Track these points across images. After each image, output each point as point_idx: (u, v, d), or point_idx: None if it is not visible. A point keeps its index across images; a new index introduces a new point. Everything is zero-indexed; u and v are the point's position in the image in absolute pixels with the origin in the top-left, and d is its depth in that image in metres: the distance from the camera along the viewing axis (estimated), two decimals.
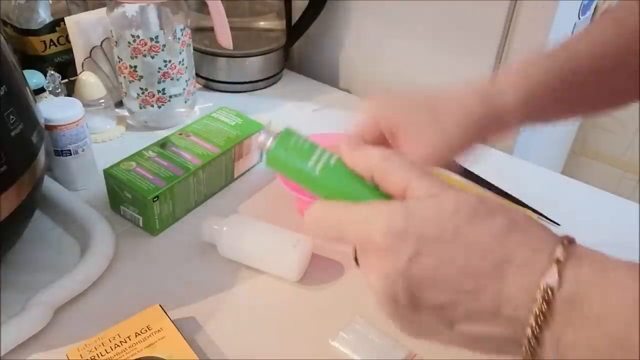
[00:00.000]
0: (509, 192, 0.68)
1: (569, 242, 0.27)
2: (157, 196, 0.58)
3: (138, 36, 0.70)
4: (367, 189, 0.33)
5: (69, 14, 0.77)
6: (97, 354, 0.44)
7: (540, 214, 0.65)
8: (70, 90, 0.75)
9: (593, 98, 0.45)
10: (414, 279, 0.28)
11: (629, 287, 0.25)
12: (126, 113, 0.79)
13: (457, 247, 0.27)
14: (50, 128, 0.61)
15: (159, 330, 0.47)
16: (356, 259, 0.32)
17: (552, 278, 0.25)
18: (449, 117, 0.40)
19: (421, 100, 0.42)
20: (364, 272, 0.31)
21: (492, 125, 0.41)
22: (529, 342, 0.26)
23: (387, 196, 0.32)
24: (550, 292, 0.25)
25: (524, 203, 0.67)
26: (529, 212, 0.65)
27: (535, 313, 0.25)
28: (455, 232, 0.27)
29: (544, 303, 0.25)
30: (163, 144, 0.66)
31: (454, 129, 0.40)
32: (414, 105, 0.42)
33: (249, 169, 0.72)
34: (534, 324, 0.25)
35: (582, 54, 0.42)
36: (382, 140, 0.41)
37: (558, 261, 0.26)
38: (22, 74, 0.53)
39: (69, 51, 0.77)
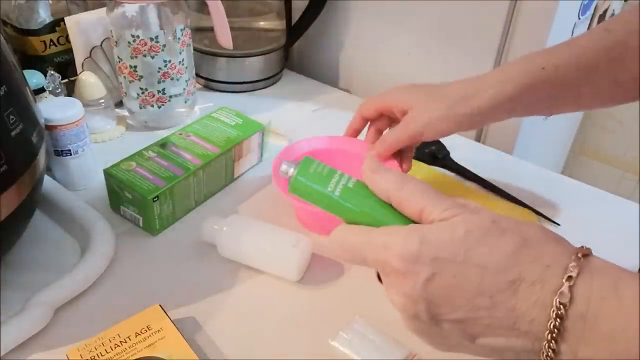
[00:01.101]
0: (509, 192, 0.68)
1: (583, 255, 0.28)
2: (157, 196, 0.58)
3: (138, 36, 0.70)
4: (385, 210, 0.36)
5: (69, 14, 0.77)
6: (97, 354, 0.44)
7: (541, 214, 0.65)
8: (70, 90, 0.75)
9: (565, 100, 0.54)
10: (432, 298, 0.30)
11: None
12: (126, 113, 0.79)
13: (469, 267, 0.29)
14: (50, 128, 0.61)
15: (159, 330, 0.47)
16: (379, 278, 0.35)
17: (563, 295, 0.26)
18: (428, 112, 0.55)
19: (427, 87, 0.57)
20: (387, 292, 0.34)
21: (469, 120, 0.54)
22: (547, 354, 0.27)
23: (405, 217, 0.35)
24: (562, 308, 0.26)
25: (524, 203, 0.67)
26: (543, 220, 0.65)
27: (550, 328, 0.27)
28: (467, 253, 0.29)
29: (557, 319, 0.26)
30: (163, 144, 0.66)
31: (428, 120, 0.54)
32: (421, 90, 0.57)
33: (249, 169, 0.72)
34: (549, 338, 0.27)
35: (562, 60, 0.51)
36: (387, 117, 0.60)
37: (570, 278, 0.27)
38: (22, 74, 0.53)
39: (69, 51, 0.77)
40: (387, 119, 0.61)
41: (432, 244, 0.30)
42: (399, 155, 0.59)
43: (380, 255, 0.33)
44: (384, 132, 0.60)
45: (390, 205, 0.35)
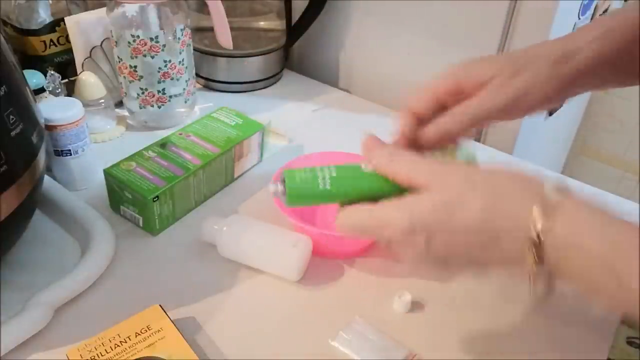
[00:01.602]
0: None
1: (556, 191, 0.35)
2: (157, 196, 0.58)
3: (138, 36, 0.70)
4: (374, 183, 0.40)
5: (69, 14, 0.77)
6: (97, 354, 0.44)
7: None
8: (70, 90, 0.75)
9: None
10: (436, 254, 0.37)
11: (595, 233, 0.34)
12: (126, 113, 0.79)
13: (455, 231, 0.35)
14: (50, 128, 0.61)
15: (159, 330, 0.47)
16: (388, 246, 0.39)
17: (534, 233, 0.33)
18: (527, 72, 0.44)
19: (505, 55, 0.48)
20: (399, 253, 0.39)
21: (571, 81, 0.45)
22: (535, 262, 0.35)
23: (396, 185, 0.39)
24: (538, 240, 0.33)
25: None
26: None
27: (533, 255, 0.34)
28: (449, 219, 0.35)
29: (534, 248, 0.34)
30: (163, 144, 0.66)
31: (531, 81, 0.44)
32: (500, 58, 0.47)
33: (249, 169, 0.72)
34: (534, 259, 0.34)
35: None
36: (452, 95, 0.46)
37: (544, 214, 0.33)
38: (22, 74, 0.53)
39: (69, 51, 0.77)
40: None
41: (420, 216, 0.36)
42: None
43: (382, 233, 0.38)
44: (454, 108, 0.45)
45: (378, 176, 0.40)
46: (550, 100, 0.45)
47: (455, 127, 0.45)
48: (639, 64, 0.46)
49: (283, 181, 0.41)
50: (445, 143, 0.46)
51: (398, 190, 0.39)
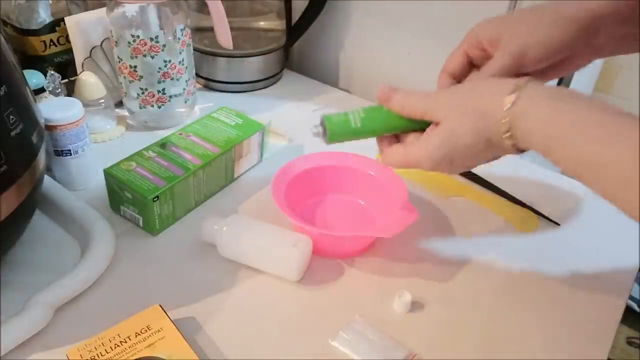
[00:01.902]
0: (509, 192, 0.68)
1: (524, 82, 0.41)
2: (157, 196, 0.58)
3: (138, 36, 0.70)
4: (395, 120, 0.49)
5: (69, 14, 0.77)
6: (97, 354, 0.44)
7: (541, 214, 0.65)
8: (70, 90, 0.75)
9: None
10: (455, 168, 0.48)
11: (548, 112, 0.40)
12: (126, 113, 0.79)
13: (461, 151, 0.45)
14: (50, 128, 0.61)
15: (159, 330, 0.47)
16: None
17: (505, 114, 0.41)
18: (547, 19, 0.46)
19: (524, 12, 0.49)
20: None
21: (582, 28, 0.46)
22: (509, 138, 0.42)
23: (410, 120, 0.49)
24: (509, 131, 0.41)
25: (524, 203, 0.67)
26: (543, 220, 0.65)
27: (507, 133, 0.42)
28: (454, 147, 0.45)
29: (507, 127, 0.41)
30: (163, 144, 0.66)
31: (549, 27, 0.46)
32: (511, 15, 0.50)
33: (249, 169, 0.72)
34: (508, 136, 0.42)
35: None
36: (479, 51, 0.51)
37: (510, 101, 0.41)
38: (22, 74, 0.53)
39: (69, 51, 0.77)
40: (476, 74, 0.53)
41: (435, 153, 0.45)
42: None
43: (416, 167, 0.48)
44: (484, 66, 0.50)
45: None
46: (555, 46, 0.47)
47: (450, 67, 0.52)
48: None
49: (322, 124, 0.50)
50: None
51: (414, 122, 0.48)
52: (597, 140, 0.37)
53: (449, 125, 0.44)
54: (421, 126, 0.48)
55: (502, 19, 0.49)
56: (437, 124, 0.46)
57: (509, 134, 0.41)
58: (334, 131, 0.49)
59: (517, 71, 0.47)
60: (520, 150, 0.43)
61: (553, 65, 0.49)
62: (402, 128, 0.50)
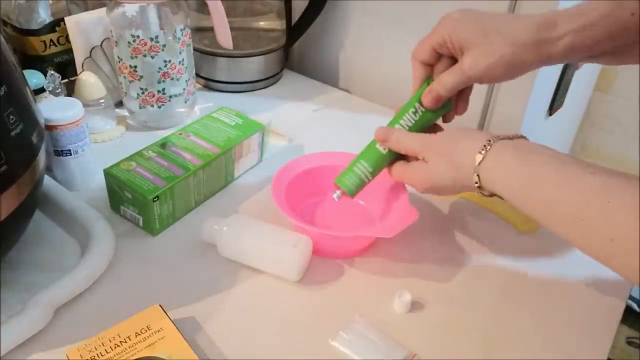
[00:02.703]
0: None
1: (490, 142, 0.48)
2: (157, 196, 0.58)
3: (138, 36, 0.70)
4: (392, 157, 0.57)
5: (69, 14, 0.77)
6: (97, 354, 0.44)
7: None
8: (70, 90, 0.75)
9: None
10: (440, 194, 0.56)
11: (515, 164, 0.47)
12: (126, 113, 0.79)
13: (442, 188, 0.53)
14: (50, 128, 0.61)
15: (159, 330, 0.47)
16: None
17: (477, 176, 0.49)
18: (507, 46, 0.50)
19: (486, 22, 0.51)
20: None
21: (535, 67, 0.51)
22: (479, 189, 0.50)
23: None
24: (477, 176, 0.49)
25: None
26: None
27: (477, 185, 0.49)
28: (437, 184, 0.53)
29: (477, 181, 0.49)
30: (163, 144, 0.66)
31: (511, 57, 0.50)
32: (479, 26, 0.51)
33: (249, 169, 0.72)
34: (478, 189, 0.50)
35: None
36: (444, 47, 0.54)
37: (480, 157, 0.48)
38: (22, 74, 0.53)
39: (69, 51, 0.77)
40: (447, 61, 0.56)
41: (423, 184, 0.54)
42: (456, 95, 0.57)
43: (410, 184, 0.57)
44: (442, 74, 0.55)
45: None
46: (504, 79, 0.52)
47: (444, 93, 0.55)
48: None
49: (339, 187, 0.57)
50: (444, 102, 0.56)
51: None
52: (547, 187, 0.44)
53: (435, 167, 0.52)
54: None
55: (471, 30, 0.51)
56: (426, 161, 0.53)
57: (478, 184, 0.49)
58: (352, 190, 0.57)
59: (488, 80, 0.53)
60: (491, 195, 0.50)
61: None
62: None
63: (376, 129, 0.56)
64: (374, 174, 0.57)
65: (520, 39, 0.49)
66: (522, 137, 0.50)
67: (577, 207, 0.41)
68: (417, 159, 0.55)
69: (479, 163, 0.48)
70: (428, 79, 0.57)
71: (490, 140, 0.48)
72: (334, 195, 0.57)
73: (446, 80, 0.54)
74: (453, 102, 0.57)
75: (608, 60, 0.52)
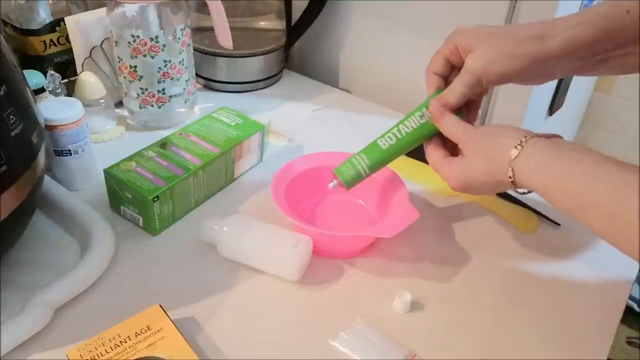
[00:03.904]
0: (510, 192, 0.68)
1: (526, 138, 0.48)
2: (157, 196, 0.58)
3: (138, 36, 0.70)
4: (394, 154, 0.57)
5: (69, 14, 0.77)
6: (97, 354, 0.44)
7: (541, 214, 0.65)
8: (70, 90, 0.75)
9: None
10: (473, 192, 0.55)
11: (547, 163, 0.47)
12: (126, 113, 0.79)
13: (476, 182, 0.52)
14: (50, 128, 0.61)
15: (159, 330, 0.47)
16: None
17: (511, 171, 0.48)
18: (496, 44, 0.52)
19: (492, 27, 0.54)
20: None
21: (537, 63, 0.51)
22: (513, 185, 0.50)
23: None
24: (512, 172, 0.48)
25: (524, 203, 0.67)
26: (543, 220, 0.66)
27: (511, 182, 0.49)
28: (471, 179, 0.52)
29: (512, 179, 0.49)
30: (163, 144, 0.66)
31: (496, 53, 0.52)
32: (485, 29, 0.54)
33: (249, 169, 0.72)
34: (512, 181, 0.49)
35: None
36: (457, 56, 0.56)
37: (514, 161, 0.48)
38: (22, 74, 0.53)
39: (69, 51, 0.77)
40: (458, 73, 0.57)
41: (458, 178, 0.53)
42: (466, 105, 0.56)
43: (443, 179, 0.55)
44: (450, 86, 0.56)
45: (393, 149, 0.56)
46: (509, 75, 0.52)
47: (452, 99, 0.54)
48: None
49: (336, 177, 0.56)
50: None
51: (408, 149, 0.57)
52: (584, 181, 0.44)
53: (471, 162, 0.52)
54: (420, 143, 0.57)
55: (477, 32, 0.54)
56: (464, 156, 0.53)
57: (512, 179, 0.49)
58: (348, 181, 0.56)
59: (480, 85, 0.53)
60: (525, 192, 0.50)
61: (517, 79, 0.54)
62: (400, 155, 0.57)
63: (431, 101, 0.55)
64: (371, 168, 0.56)
65: (522, 34, 0.51)
66: (557, 136, 0.50)
67: (615, 203, 0.41)
68: (445, 154, 0.55)
69: (515, 157, 0.48)
70: (439, 90, 0.56)
71: (526, 137, 0.48)
72: (330, 185, 0.57)
73: (453, 86, 0.54)
74: (463, 113, 0.56)
75: (616, 66, 0.53)
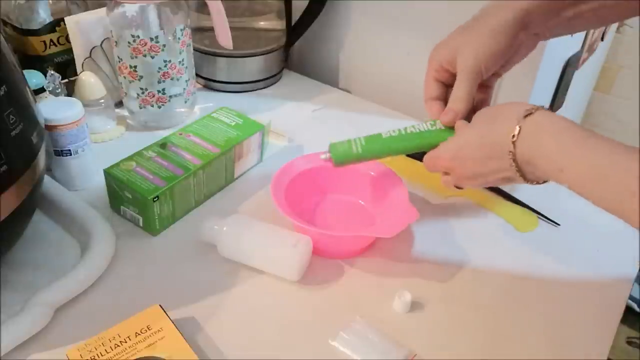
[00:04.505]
0: (510, 192, 0.68)
1: (526, 116, 0.46)
2: (157, 196, 0.58)
3: (138, 36, 0.70)
4: (391, 146, 0.56)
5: (69, 14, 0.77)
6: (97, 354, 0.45)
7: (540, 214, 0.65)
8: (70, 90, 0.75)
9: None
10: (463, 172, 0.52)
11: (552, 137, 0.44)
12: (126, 113, 0.79)
13: (467, 154, 0.50)
14: (50, 128, 0.61)
15: (159, 330, 0.47)
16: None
17: (512, 152, 0.46)
18: (485, 30, 0.53)
19: (467, 25, 0.55)
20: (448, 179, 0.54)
21: (520, 29, 0.52)
22: (517, 171, 0.47)
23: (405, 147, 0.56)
24: (513, 157, 0.46)
25: (524, 203, 0.67)
26: (543, 220, 0.66)
27: (513, 167, 0.47)
28: (471, 153, 0.50)
29: (513, 162, 0.46)
30: (163, 144, 0.66)
31: (489, 38, 0.52)
32: (460, 27, 0.55)
33: (249, 169, 0.72)
34: (515, 170, 0.47)
35: None
36: (445, 72, 0.56)
37: (514, 139, 0.46)
38: (22, 74, 0.53)
39: (69, 51, 0.77)
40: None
41: (453, 153, 0.52)
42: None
43: (435, 161, 0.54)
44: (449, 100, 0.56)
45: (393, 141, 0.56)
46: (503, 53, 0.53)
47: (459, 106, 0.54)
48: None
49: (329, 150, 0.56)
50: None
51: (410, 148, 0.56)
52: (592, 153, 0.42)
53: (464, 136, 0.51)
54: (422, 150, 0.55)
55: (451, 40, 0.55)
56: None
57: (512, 152, 0.46)
58: (338, 157, 0.56)
59: (481, 80, 0.54)
60: (533, 182, 0.48)
61: (509, 59, 0.55)
62: (402, 152, 0.57)
63: (442, 115, 0.55)
64: (365, 150, 0.55)
65: (488, 11, 0.53)
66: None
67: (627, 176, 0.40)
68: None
69: (525, 116, 0.45)
70: None
71: (533, 108, 0.46)
72: (322, 156, 0.57)
73: (455, 93, 0.54)
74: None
75: (592, 19, 0.54)
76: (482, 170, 0.50)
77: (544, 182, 0.48)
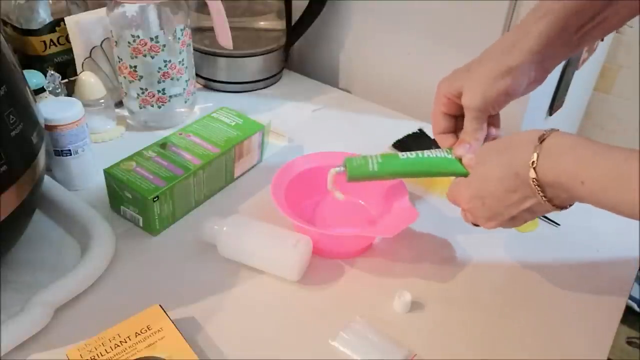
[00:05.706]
0: None
1: (540, 141, 0.46)
2: (157, 196, 0.58)
3: (138, 36, 0.70)
4: (405, 168, 0.55)
5: (69, 14, 0.77)
6: (97, 354, 0.45)
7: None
8: (70, 90, 0.75)
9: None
10: (488, 210, 0.51)
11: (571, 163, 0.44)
12: (126, 113, 0.79)
13: (489, 188, 0.50)
14: (50, 128, 0.61)
15: (159, 330, 0.47)
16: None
17: (534, 178, 0.46)
18: (481, 72, 0.53)
19: (470, 62, 0.55)
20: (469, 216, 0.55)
21: (526, 68, 0.51)
22: (543, 197, 0.46)
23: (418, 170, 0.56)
24: (537, 183, 0.46)
25: None
26: (543, 220, 0.65)
27: (539, 194, 0.46)
28: (486, 193, 0.50)
29: (538, 187, 0.46)
30: (163, 144, 0.66)
31: (485, 79, 0.52)
32: (464, 67, 0.55)
33: (249, 169, 0.72)
34: (540, 196, 0.46)
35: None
36: (452, 106, 0.56)
37: (534, 163, 0.45)
38: (22, 74, 0.53)
39: (69, 51, 0.77)
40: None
41: (472, 191, 0.51)
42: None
43: (455, 198, 0.54)
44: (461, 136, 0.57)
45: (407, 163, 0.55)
46: (510, 93, 0.52)
47: (471, 139, 0.54)
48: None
49: (345, 164, 0.55)
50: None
51: (430, 172, 0.56)
52: (609, 160, 0.42)
53: (483, 169, 0.51)
54: (437, 176, 0.57)
55: (459, 74, 0.55)
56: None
57: (534, 165, 0.45)
58: (353, 171, 0.55)
59: (488, 114, 0.54)
60: (559, 207, 0.47)
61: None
62: (416, 175, 0.56)
63: (455, 148, 0.55)
64: (381, 167, 0.54)
65: (497, 50, 0.52)
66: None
67: None
68: None
69: (540, 141, 0.45)
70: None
71: (545, 132, 0.46)
72: (334, 169, 0.56)
73: (466, 128, 0.54)
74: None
75: (598, 34, 0.53)
76: (503, 206, 0.50)
77: (570, 205, 0.48)
